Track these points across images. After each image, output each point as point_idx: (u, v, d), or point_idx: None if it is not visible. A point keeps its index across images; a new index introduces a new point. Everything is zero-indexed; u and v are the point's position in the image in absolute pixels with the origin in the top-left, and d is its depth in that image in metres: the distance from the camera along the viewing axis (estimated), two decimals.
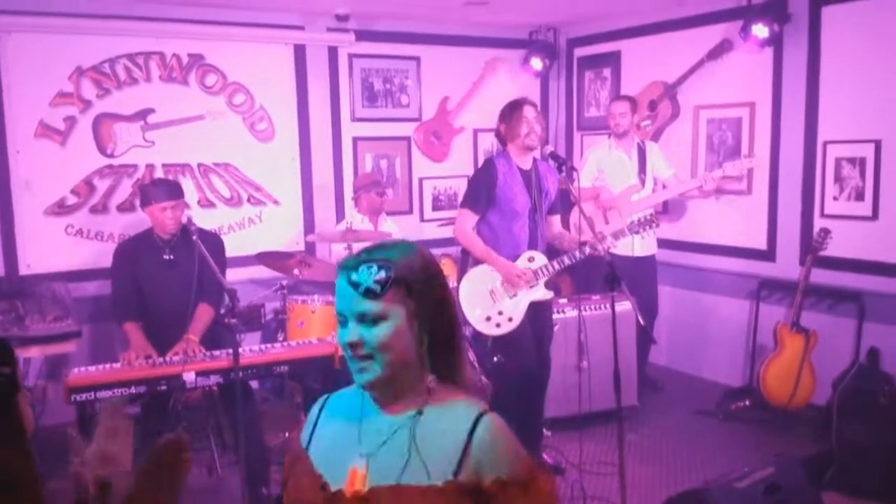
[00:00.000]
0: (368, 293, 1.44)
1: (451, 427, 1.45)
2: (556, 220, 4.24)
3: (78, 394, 3.48)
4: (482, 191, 3.99)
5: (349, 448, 1.50)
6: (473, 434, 1.43)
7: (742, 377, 5.43)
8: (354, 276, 1.45)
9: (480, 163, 6.44)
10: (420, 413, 1.48)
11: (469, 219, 4.04)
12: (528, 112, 3.93)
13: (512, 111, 3.98)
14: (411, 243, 1.56)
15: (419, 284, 1.48)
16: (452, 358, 1.53)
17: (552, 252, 4.13)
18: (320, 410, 1.62)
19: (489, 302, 4.01)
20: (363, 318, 1.45)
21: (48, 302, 4.30)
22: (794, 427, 4.67)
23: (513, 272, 3.96)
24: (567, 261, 3.99)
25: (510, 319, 3.99)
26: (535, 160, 4.06)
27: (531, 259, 4.01)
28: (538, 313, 4.11)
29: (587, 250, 3.91)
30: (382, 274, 1.44)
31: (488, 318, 4.01)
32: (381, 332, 1.44)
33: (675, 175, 5.38)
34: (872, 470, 3.90)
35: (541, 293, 4.05)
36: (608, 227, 5.10)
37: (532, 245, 4.03)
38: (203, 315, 4.01)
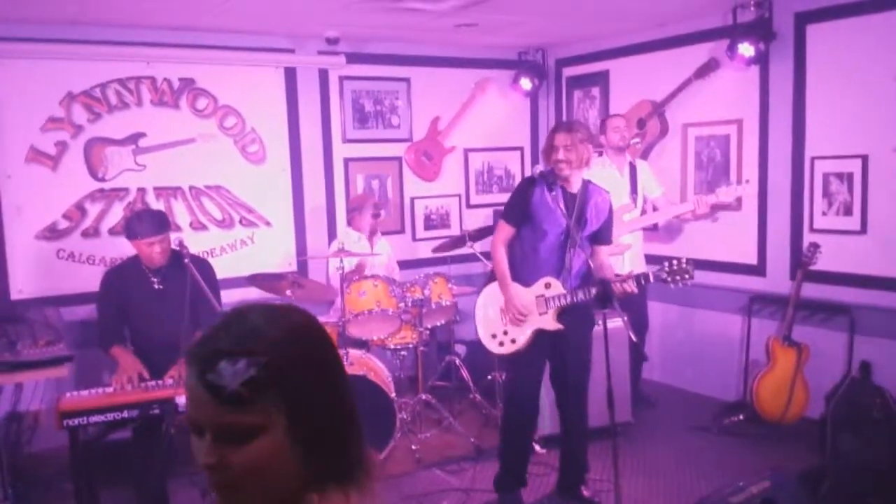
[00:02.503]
0: (234, 401, 1.00)
1: None
2: (600, 250, 3.95)
3: (70, 419, 3.46)
4: (517, 204, 3.89)
5: None
6: None
7: (736, 392, 5.43)
8: (212, 376, 1.01)
9: (473, 182, 6.51)
10: None
11: (504, 230, 3.93)
12: (560, 140, 3.74)
13: (550, 136, 3.84)
14: (282, 308, 1.12)
15: (300, 372, 1.05)
16: (347, 451, 1.11)
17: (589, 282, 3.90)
18: None
19: (498, 320, 3.93)
20: (227, 435, 1.03)
21: (40, 327, 4.27)
22: (788, 441, 4.67)
23: (512, 303, 3.83)
24: (582, 296, 3.74)
25: (513, 341, 3.89)
26: (587, 185, 3.87)
27: (548, 285, 3.83)
28: (561, 349, 3.91)
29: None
30: (252, 371, 1.00)
31: (494, 336, 3.95)
32: (251, 453, 1.03)
33: (664, 194, 5.42)
34: (867, 482, 3.90)
35: (549, 323, 3.83)
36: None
37: (557, 272, 3.83)
38: None
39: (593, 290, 3.68)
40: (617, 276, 3.81)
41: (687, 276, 3.66)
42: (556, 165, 3.76)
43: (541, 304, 3.83)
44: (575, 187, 3.83)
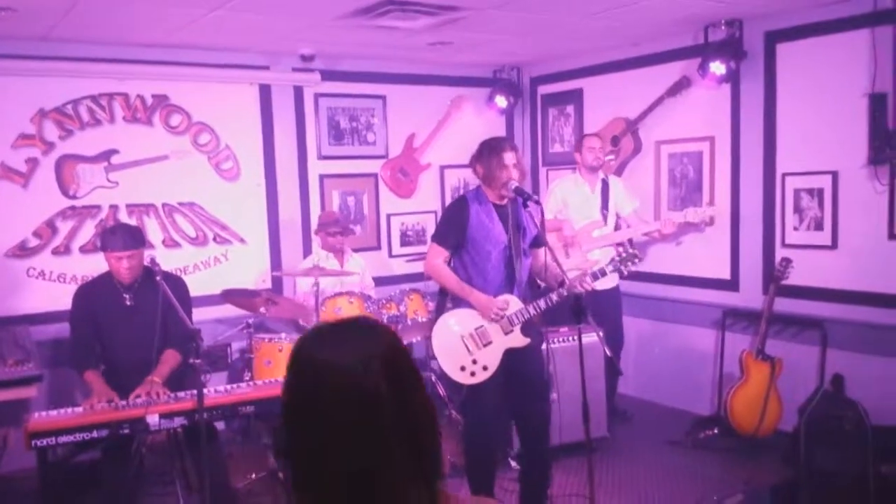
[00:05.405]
0: None
1: None
2: (540, 252, 3.89)
3: (39, 439, 3.39)
4: (452, 229, 3.81)
5: None
6: None
7: (710, 406, 5.46)
8: None
9: (448, 199, 6.51)
10: None
11: (438, 253, 3.85)
12: (509, 158, 3.70)
13: (490, 154, 3.74)
14: None
15: None
16: None
17: (536, 286, 3.95)
18: None
19: (462, 350, 3.78)
20: None
21: (9, 346, 4.21)
22: (762, 454, 4.69)
23: (489, 307, 3.72)
24: (543, 305, 3.74)
25: (485, 368, 3.77)
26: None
27: (505, 303, 3.77)
28: (519, 364, 3.83)
29: (564, 292, 3.65)
30: None
31: (462, 368, 3.78)
32: None
33: (636, 210, 5.46)
34: (840, 495, 3.93)
35: (517, 339, 3.79)
36: (571, 260, 5.14)
37: (507, 287, 3.79)
38: (169, 359, 3.89)
39: (554, 297, 3.71)
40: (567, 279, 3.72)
41: (636, 259, 3.86)
42: (508, 181, 3.70)
43: (504, 322, 3.78)
44: (505, 199, 3.81)
